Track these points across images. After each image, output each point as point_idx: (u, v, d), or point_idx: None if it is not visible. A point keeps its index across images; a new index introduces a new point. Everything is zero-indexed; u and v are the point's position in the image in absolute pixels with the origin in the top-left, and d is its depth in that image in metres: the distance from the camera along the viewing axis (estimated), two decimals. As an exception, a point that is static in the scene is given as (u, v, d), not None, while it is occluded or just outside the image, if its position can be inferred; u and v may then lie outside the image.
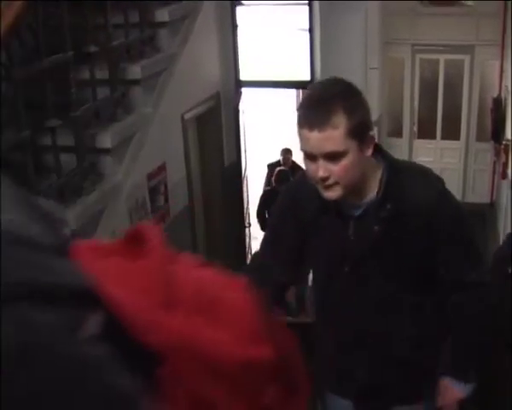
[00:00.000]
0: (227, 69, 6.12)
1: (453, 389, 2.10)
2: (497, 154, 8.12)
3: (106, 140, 3.57)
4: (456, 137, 9.52)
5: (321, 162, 1.78)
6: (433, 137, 9.65)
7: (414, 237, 1.89)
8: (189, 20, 4.73)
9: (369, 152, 1.84)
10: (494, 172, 8.89)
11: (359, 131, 1.77)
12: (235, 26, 6.27)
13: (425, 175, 1.99)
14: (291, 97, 9.67)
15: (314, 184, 1.86)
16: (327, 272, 2.06)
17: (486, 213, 8.77)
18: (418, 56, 9.36)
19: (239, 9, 6.33)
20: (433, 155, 9.54)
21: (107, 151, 3.60)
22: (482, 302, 2.05)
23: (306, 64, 6.37)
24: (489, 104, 8.59)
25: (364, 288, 1.96)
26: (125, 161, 3.83)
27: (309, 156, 1.82)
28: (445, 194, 1.96)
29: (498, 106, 8.06)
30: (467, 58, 9.14)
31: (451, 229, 1.93)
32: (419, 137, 9.69)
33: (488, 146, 9.01)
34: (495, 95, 8.44)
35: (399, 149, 9.10)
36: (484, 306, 2.06)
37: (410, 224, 1.88)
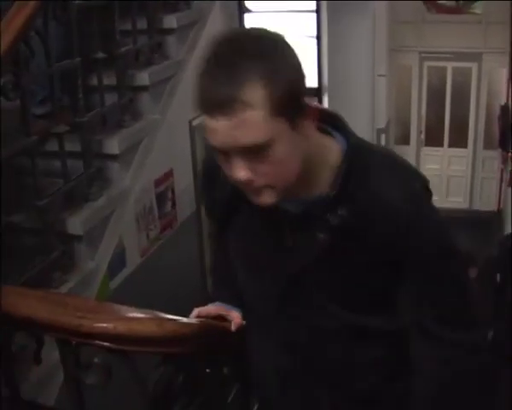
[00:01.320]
0: (234, 76, 6.13)
1: None
2: (505, 161, 8.09)
3: (113, 146, 3.58)
4: (464, 144, 9.52)
5: (236, 161, 1.18)
6: (440, 144, 9.65)
7: (372, 254, 1.31)
8: (197, 27, 4.73)
9: (310, 127, 1.22)
10: (501, 180, 8.85)
11: (289, 103, 1.14)
12: (242, 33, 6.29)
13: (399, 170, 1.35)
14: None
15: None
16: (251, 285, 1.50)
17: (493, 220, 8.73)
18: (426, 64, 9.35)
19: (247, 16, 6.36)
20: (441, 162, 9.53)
21: (114, 157, 3.61)
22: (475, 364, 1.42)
23: (314, 71, 6.37)
24: (496, 112, 8.58)
25: (307, 310, 1.41)
26: (132, 167, 3.84)
27: (220, 151, 1.21)
28: (422, 201, 1.34)
29: (506, 114, 8.03)
30: (474, 66, 9.13)
31: (428, 258, 1.33)
32: (426, 145, 9.68)
33: (495, 154, 8.99)
34: (502, 102, 8.42)
35: (406, 157, 9.02)
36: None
37: (370, 236, 1.29)
